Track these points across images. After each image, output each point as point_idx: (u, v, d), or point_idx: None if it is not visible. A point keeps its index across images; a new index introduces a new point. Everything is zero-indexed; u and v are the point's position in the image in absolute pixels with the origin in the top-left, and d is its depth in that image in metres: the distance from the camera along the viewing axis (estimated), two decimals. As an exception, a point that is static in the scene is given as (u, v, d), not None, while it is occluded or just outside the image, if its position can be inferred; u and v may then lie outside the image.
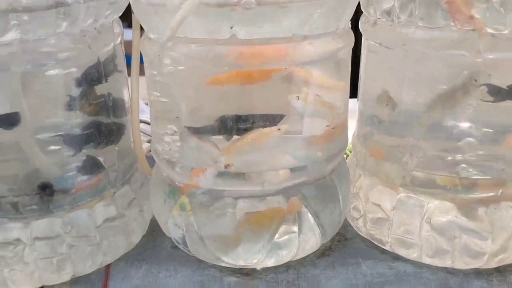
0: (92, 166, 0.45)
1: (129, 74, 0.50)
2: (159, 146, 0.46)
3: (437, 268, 0.48)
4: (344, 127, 0.49)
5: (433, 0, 0.39)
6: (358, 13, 0.46)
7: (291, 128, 0.43)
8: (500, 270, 0.47)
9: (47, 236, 0.43)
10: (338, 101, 0.46)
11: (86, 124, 0.44)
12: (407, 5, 0.41)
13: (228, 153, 0.42)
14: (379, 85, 0.47)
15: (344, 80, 0.46)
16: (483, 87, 0.41)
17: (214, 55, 0.39)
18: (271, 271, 0.47)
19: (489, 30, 0.39)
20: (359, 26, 0.49)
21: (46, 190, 0.42)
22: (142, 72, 0.49)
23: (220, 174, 0.43)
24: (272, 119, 0.41)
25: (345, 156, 0.53)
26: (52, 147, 0.42)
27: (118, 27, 0.47)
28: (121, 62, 0.48)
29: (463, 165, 0.45)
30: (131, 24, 0.47)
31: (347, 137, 0.50)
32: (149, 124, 0.64)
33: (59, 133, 0.42)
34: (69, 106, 0.42)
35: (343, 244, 0.52)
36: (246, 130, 0.41)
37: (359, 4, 0.45)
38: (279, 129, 0.42)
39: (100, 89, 0.44)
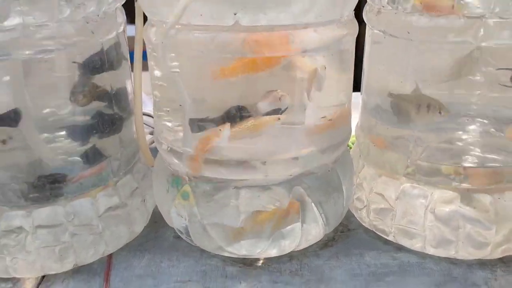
0: (95, 155, 0.45)
1: (132, 69, 0.50)
2: (163, 135, 0.46)
3: (440, 258, 0.47)
4: (347, 118, 0.48)
5: None
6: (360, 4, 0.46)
7: (293, 118, 0.42)
8: (505, 261, 0.47)
9: (49, 225, 0.43)
10: (341, 92, 0.46)
11: (89, 113, 0.43)
12: None
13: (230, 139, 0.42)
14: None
15: (348, 70, 0.46)
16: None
17: (218, 42, 0.39)
18: (274, 261, 0.47)
19: (494, 18, 0.39)
20: (363, 15, 0.48)
21: (50, 180, 0.42)
22: (145, 68, 0.48)
23: (223, 163, 0.43)
24: (275, 109, 0.41)
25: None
26: (54, 136, 0.42)
27: (121, 15, 0.46)
28: (124, 51, 0.47)
29: (467, 155, 0.45)
30: (133, 20, 0.47)
31: (350, 128, 0.49)
32: (151, 116, 0.64)
33: (61, 122, 0.42)
34: (72, 94, 0.42)
35: (346, 235, 0.52)
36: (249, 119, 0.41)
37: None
38: (279, 118, 0.41)
39: (103, 77, 0.44)
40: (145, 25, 0.45)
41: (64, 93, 0.42)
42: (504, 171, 0.44)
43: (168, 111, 0.45)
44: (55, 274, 0.45)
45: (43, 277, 0.45)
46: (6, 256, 0.43)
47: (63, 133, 0.43)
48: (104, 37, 0.43)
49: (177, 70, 0.42)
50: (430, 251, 0.47)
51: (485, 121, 0.44)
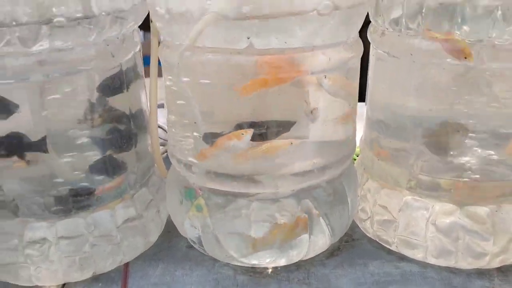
0: (114, 169, 0.46)
1: (146, 75, 0.51)
2: (177, 149, 0.48)
3: (441, 268, 0.48)
4: (353, 133, 0.50)
5: (439, 12, 0.41)
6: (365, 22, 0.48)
7: (301, 133, 0.44)
8: (502, 270, 0.48)
9: (71, 236, 0.44)
10: (346, 108, 0.47)
11: (108, 129, 0.45)
12: (415, 16, 0.42)
13: (242, 159, 0.44)
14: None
15: (353, 88, 0.47)
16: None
17: (232, 64, 0.40)
18: (283, 270, 0.49)
19: (490, 43, 0.40)
20: (368, 35, 0.50)
21: (72, 193, 0.44)
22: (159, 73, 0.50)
23: (235, 177, 0.45)
24: (285, 125, 0.43)
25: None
26: (73, 153, 0.43)
27: (137, 35, 0.48)
28: (140, 69, 0.49)
29: (466, 169, 0.46)
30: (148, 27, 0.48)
31: (355, 142, 0.51)
32: (162, 128, 0.66)
33: (80, 140, 0.43)
34: (92, 113, 0.43)
35: (351, 245, 0.53)
36: (260, 135, 0.42)
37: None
38: (291, 143, 0.43)
39: (122, 96, 0.45)
40: (160, 45, 0.47)
41: (83, 113, 0.43)
42: (502, 185, 0.45)
43: (182, 126, 0.46)
44: (75, 282, 0.47)
45: (64, 285, 0.47)
46: (30, 265, 0.44)
47: (82, 150, 0.44)
48: (123, 58, 0.45)
49: (191, 89, 0.43)
50: (431, 261, 0.48)
51: (484, 136, 0.45)
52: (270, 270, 0.49)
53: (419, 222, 0.48)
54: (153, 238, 0.52)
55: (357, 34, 0.46)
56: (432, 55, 0.43)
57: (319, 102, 0.43)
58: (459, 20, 0.40)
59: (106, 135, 0.45)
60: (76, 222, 0.45)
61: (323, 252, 0.50)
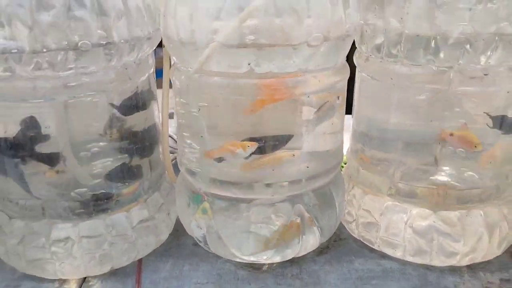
0: (130, 177, 0.47)
1: (158, 86, 0.52)
2: (185, 159, 0.49)
3: (417, 265, 0.50)
4: (340, 145, 0.51)
5: (415, 42, 0.42)
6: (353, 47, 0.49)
7: (296, 145, 0.45)
8: (472, 268, 0.49)
9: (92, 235, 0.46)
10: (335, 123, 0.49)
11: (125, 142, 0.46)
12: (395, 45, 0.43)
13: (247, 169, 0.45)
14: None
15: (341, 106, 0.49)
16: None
17: (234, 86, 0.42)
18: (278, 266, 0.50)
19: (460, 69, 0.42)
20: (354, 59, 0.51)
21: (93, 198, 0.45)
22: (159, 85, 0.51)
23: (236, 184, 0.46)
24: (282, 139, 0.44)
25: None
26: (96, 162, 0.45)
27: (151, 58, 0.49)
28: (153, 88, 0.50)
29: (440, 179, 0.47)
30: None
31: (342, 153, 0.52)
32: (172, 138, 0.67)
33: (102, 150, 0.44)
34: (111, 128, 0.44)
35: (339, 244, 0.54)
36: (260, 148, 0.44)
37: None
38: (293, 154, 0.45)
39: (138, 113, 0.47)
40: (172, 68, 0.48)
41: (103, 128, 0.44)
42: (471, 193, 0.47)
43: (190, 139, 0.47)
44: (95, 276, 0.48)
45: (85, 278, 0.48)
46: (55, 261, 0.46)
47: (102, 160, 0.45)
48: (139, 80, 0.46)
49: (199, 107, 0.44)
50: (409, 259, 0.50)
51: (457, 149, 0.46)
52: (267, 266, 0.50)
53: (398, 225, 0.49)
54: (164, 236, 0.53)
55: (344, 59, 0.47)
56: (410, 80, 0.44)
57: (309, 119, 0.45)
58: (433, 49, 0.41)
59: (123, 147, 0.46)
60: (96, 223, 0.46)
61: (314, 250, 0.52)
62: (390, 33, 0.43)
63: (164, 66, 0.50)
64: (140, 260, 0.51)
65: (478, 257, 0.49)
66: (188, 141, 0.48)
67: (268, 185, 0.46)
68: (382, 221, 0.50)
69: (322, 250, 0.53)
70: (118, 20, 0.40)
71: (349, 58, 0.49)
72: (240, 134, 0.44)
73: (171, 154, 0.64)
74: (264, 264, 0.50)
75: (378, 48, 0.45)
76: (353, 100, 0.54)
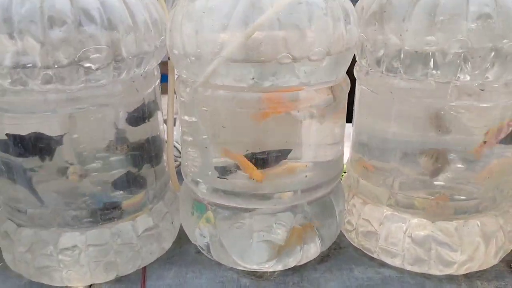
0: (136, 187, 0.48)
1: (164, 92, 0.52)
2: (189, 169, 0.50)
3: (416, 273, 0.50)
4: (341, 156, 0.52)
5: (414, 57, 0.43)
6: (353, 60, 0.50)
7: (298, 156, 0.46)
8: (468, 276, 0.50)
9: (98, 244, 0.46)
10: (335, 135, 0.50)
11: (131, 153, 0.47)
12: (394, 60, 0.44)
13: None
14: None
15: (341, 118, 0.50)
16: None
17: (238, 100, 0.43)
18: (280, 274, 0.51)
19: (457, 84, 0.43)
20: (354, 72, 0.52)
21: (101, 208, 0.46)
22: (164, 91, 0.52)
23: (240, 194, 0.47)
24: (283, 153, 0.45)
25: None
26: (103, 172, 0.46)
27: (157, 71, 0.50)
28: (158, 100, 0.51)
29: (438, 190, 0.48)
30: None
31: (343, 164, 0.53)
32: (175, 146, 0.68)
33: (109, 160, 0.45)
34: (118, 139, 0.45)
35: (339, 252, 0.55)
36: (263, 160, 0.45)
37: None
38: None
39: (144, 125, 0.48)
40: (177, 80, 0.49)
41: (109, 139, 0.45)
42: (468, 204, 0.48)
43: (195, 151, 0.48)
44: (100, 283, 0.49)
45: (90, 286, 0.49)
46: (62, 269, 0.46)
47: (109, 170, 0.46)
48: (145, 92, 0.47)
49: (203, 119, 0.45)
50: (408, 267, 0.50)
51: (454, 160, 0.47)
52: (269, 274, 0.51)
53: (397, 234, 0.50)
54: (167, 245, 0.54)
55: (345, 73, 0.48)
56: (409, 94, 0.45)
57: (311, 131, 0.46)
58: (432, 65, 0.43)
59: (129, 157, 0.47)
60: (103, 232, 0.47)
61: (315, 258, 0.52)
62: (389, 48, 0.44)
63: (169, 79, 0.51)
64: (144, 268, 0.51)
65: (475, 266, 0.50)
66: (192, 152, 0.49)
67: (272, 195, 0.47)
68: (382, 231, 0.51)
69: (322, 258, 0.54)
70: (126, 35, 0.41)
71: (350, 71, 0.50)
72: (243, 146, 0.45)
73: (174, 162, 0.65)
74: (266, 272, 0.51)
75: (378, 63, 0.46)
76: (353, 111, 0.55)
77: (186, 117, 0.48)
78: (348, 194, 0.56)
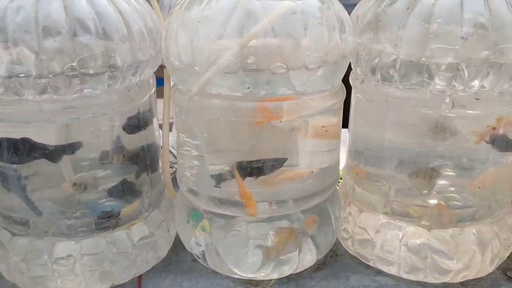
0: (131, 195, 0.48)
1: (159, 96, 0.52)
2: (185, 178, 0.50)
3: (412, 281, 0.50)
4: (337, 164, 0.52)
5: (409, 67, 0.43)
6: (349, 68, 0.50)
7: (293, 164, 0.46)
8: (464, 284, 0.50)
9: (93, 253, 0.46)
10: (332, 144, 0.50)
11: (127, 161, 0.47)
12: (389, 69, 0.44)
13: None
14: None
15: (337, 126, 0.50)
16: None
17: (234, 109, 0.43)
18: (276, 282, 0.51)
19: (453, 93, 0.43)
20: (350, 81, 0.52)
21: (95, 217, 0.46)
22: (159, 95, 0.52)
23: (236, 203, 0.47)
24: (278, 162, 0.45)
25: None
26: (98, 181, 0.46)
27: (152, 79, 0.50)
28: (154, 108, 0.51)
29: (433, 198, 0.48)
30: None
31: (338, 171, 0.53)
32: (171, 153, 0.68)
33: (104, 169, 0.45)
34: (113, 148, 0.45)
35: (335, 260, 0.55)
36: (258, 169, 0.45)
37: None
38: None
39: (139, 133, 0.48)
40: (173, 89, 0.49)
41: (104, 148, 0.45)
42: (463, 212, 0.48)
43: (190, 159, 0.48)
44: None
45: None
46: (57, 278, 0.46)
47: (104, 179, 0.46)
48: (140, 101, 0.47)
49: (198, 128, 0.45)
50: (404, 275, 0.50)
51: (450, 167, 0.47)
52: (265, 283, 0.51)
53: (393, 242, 0.50)
54: (163, 253, 0.53)
55: (340, 81, 0.49)
56: (404, 103, 0.45)
57: (307, 140, 0.46)
58: (427, 74, 0.43)
59: (124, 166, 0.47)
60: (98, 241, 0.47)
61: (311, 267, 0.52)
62: (384, 57, 0.44)
63: (165, 87, 0.51)
64: (139, 277, 0.51)
65: (471, 274, 0.50)
66: (188, 161, 0.49)
67: (269, 203, 0.47)
68: (378, 239, 0.51)
69: (319, 266, 0.54)
70: (121, 44, 0.41)
71: (345, 78, 0.50)
72: (239, 154, 0.45)
73: (170, 169, 0.65)
74: (261, 281, 0.51)
75: (373, 71, 0.47)
76: (349, 118, 0.55)
77: (181, 125, 0.48)
78: (344, 201, 0.56)
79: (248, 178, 0.46)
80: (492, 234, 0.50)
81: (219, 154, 0.47)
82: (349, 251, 0.55)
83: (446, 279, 0.49)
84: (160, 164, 0.54)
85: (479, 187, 0.47)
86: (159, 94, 0.52)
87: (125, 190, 0.48)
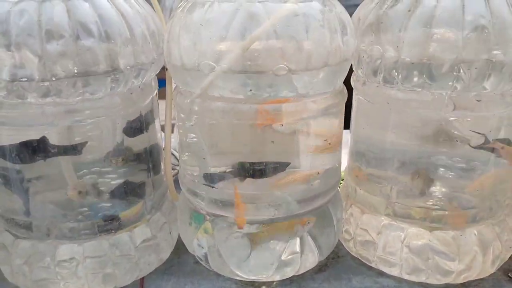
0: (134, 198, 0.48)
1: (161, 97, 0.52)
2: (187, 180, 0.50)
3: (414, 283, 0.50)
4: (338, 165, 0.52)
5: (411, 68, 0.43)
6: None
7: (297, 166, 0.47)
8: (466, 285, 0.50)
9: (96, 256, 0.46)
10: (334, 146, 0.50)
11: (129, 164, 0.47)
12: (391, 71, 0.44)
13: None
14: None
15: (339, 127, 0.50)
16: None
17: (236, 111, 0.43)
18: (278, 284, 0.51)
19: (454, 94, 0.43)
20: (351, 82, 0.52)
21: (98, 219, 0.46)
22: (161, 97, 0.52)
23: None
24: (281, 165, 0.45)
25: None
26: (101, 183, 0.46)
27: (154, 82, 0.50)
28: (156, 110, 0.51)
29: (434, 200, 0.48)
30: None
31: (340, 173, 0.53)
32: (173, 155, 0.68)
33: (106, 172, 0.45)
34: (115, 151, 0.45)
35: (337, 261, 0.55)
36: (260, 171, 0.45)
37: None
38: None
39: (141, 136, 0.48)
40: (175, 91, 0.50)
41: (107, 151, 0.45)
42: (464, 213, 0.48)
43: (192, 162, 0.49)
44: None
45: None
46: (60, 281, 0.46)
47: (106, 182, 0.46)
48: (143, 104, 0.47)
49: (200, 130, 0.46)
50: (405, 277, 0.50)
51: (451, 169, 0.48)
52: (267, 284, 0.51)
53: (395, 244, 0.50)
54: (165, 255, 0.53)
55: (342, 83, 0.48)
56: (406, 105, 0.45)
57: (308, 142, 0.46)
58: (428, 76, 0.43)
59: (127, 168, 0.47)
60: (100, 244, 0.47)
61: (313, 268, 0.52)
62: (386, 59, 0.45)
63: (167, 89, 0.52)
64: (142, 279, 0.51)
65: (473, 275, 0.50)
66: (190, 163, 0.49)
67: (270, 205, 0.47)
68: (379, 240, 0.51)
69: (321, 268, 0.54)
70: (124, 48, 0.41)
71: (347, 80, 0.50)
72: (241, 157, 0.45)
73: (172, 171, 0.65)
74: (264, 282, 0.51)
75: (374, 73, 0.47)
76: (351, 119, 0.55)
77: (183, 128, 0.48)
78: (346, 203, 0.56)
79: (249, 180, 0.46)
80: (493, 235, 0.50)
81: (220, 156, 0.47)
82: (351, 253, 0.55)
83: (448, 280, 0.49)
84: (162, 166, 0.54)
85: (477, 190, 0.47)
86: (161, 95, 0.53)
87: (128, 193, 0.48)
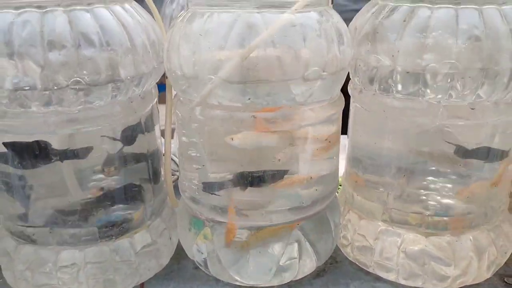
0: (134, 204, 0.49)
1: (161, 101, 0.53)
2: (187, 186, 0.50)
3: (410, 287, 0.51)
4: (336, 172, 0.53)
5: (406, 78, 0.44)
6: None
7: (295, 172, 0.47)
8: None
9: (97, 261, 0.47)
10: (332, 152, 0.51)
11: (129, 171, 0.47)
12: (387, 80, 0.45)
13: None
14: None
15: (336, 134, 0.51)
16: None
17: (234, 119, 0.44)
18: None
19: (445, 103, 0.44)
20: (348, 90, 0.53)
21: (98, 226, 0.47)
22: (161, 101, 0.53)
23: (237, 212, 0.48)
24: (279, 174, 0.46)
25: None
26: (100, 190, 0.46)
27: (154, 89, 0.51)
28: (156, 118, 0.52)
29: (430, 207, 0.49)
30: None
31: (338, 179, 0.54)
32: (173, 160, 0.69)
33: (107, 179, 0.46)
34: (115, 158, 0.46)
35: (335, 266, 0.55)
36: (259, 178, 0.46)
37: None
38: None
39: (140, 144, 0.48)
40: (175, 98, 0.50)
41: (107, 158, 0.46)
42: (460, 219, 0.49)
43: (192, 168, 0.49)
44: None
45: None
46: (61, 286, 0.47)
47: (107, 189, 0.47)
48: (143, 112, 0.48)
49: (200, 138, 0.46)
50: (402, 282, 0.51)
51: (446, 175, 0.48)
52: (265, 289, 0.52)
53: (391, 249, 0.50)
54: (165, 261, 0.54)
55: (339, 91, 0.49)
56: (402, 113, 0.46)
57: (305, 149, 0.47)
58: (423, 85, 0.43)
59: (127, 175, 0.47)
60: (101, 250, 0.47)
61: (311, 273, 0.53)
62: (382, 68, 0.45)
63: (167, 96, 0.52)
64: (142, 284, 0.52)
65: (469, 280, 0.50)
66: (190, 170, 0.49)
67: (269, 212, 0.47)
68: (376, 246, 0.52)
69: (319, 273, 0.54)
70: (125, 57, 0.42)
71: (344, 87, 0.51)
72: (240, 164, 0.46)
73: (172, 176, 0.65)
74: (262, 288, 0.52)
75: (371, 82, 0.47)
76: (348, 127, 0.56)
77: (183, 135, 0.49)
78: (344, 208, 0.57)
79: (248, 188, 0.46)
80: (488, 241, 0.50)
81: (220, 163, 0.47)
82: (349, 258, 0.56)
83: (444, 285, 0.50)
84: (162, 172, 0.55)
85: (468, 197, 0.48)
86: (161, 100, 0.53)
87: (128, 199, 0.48)
